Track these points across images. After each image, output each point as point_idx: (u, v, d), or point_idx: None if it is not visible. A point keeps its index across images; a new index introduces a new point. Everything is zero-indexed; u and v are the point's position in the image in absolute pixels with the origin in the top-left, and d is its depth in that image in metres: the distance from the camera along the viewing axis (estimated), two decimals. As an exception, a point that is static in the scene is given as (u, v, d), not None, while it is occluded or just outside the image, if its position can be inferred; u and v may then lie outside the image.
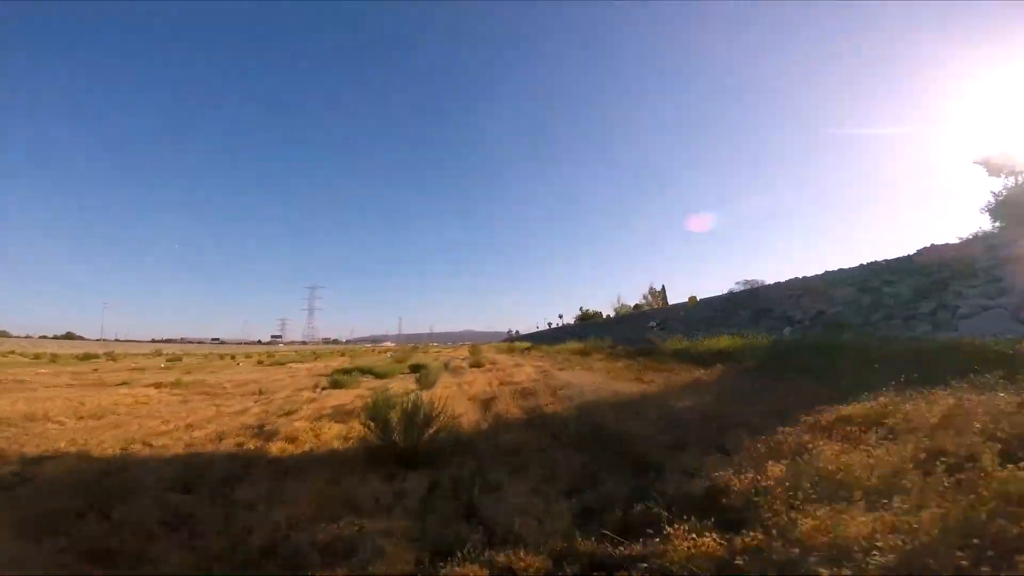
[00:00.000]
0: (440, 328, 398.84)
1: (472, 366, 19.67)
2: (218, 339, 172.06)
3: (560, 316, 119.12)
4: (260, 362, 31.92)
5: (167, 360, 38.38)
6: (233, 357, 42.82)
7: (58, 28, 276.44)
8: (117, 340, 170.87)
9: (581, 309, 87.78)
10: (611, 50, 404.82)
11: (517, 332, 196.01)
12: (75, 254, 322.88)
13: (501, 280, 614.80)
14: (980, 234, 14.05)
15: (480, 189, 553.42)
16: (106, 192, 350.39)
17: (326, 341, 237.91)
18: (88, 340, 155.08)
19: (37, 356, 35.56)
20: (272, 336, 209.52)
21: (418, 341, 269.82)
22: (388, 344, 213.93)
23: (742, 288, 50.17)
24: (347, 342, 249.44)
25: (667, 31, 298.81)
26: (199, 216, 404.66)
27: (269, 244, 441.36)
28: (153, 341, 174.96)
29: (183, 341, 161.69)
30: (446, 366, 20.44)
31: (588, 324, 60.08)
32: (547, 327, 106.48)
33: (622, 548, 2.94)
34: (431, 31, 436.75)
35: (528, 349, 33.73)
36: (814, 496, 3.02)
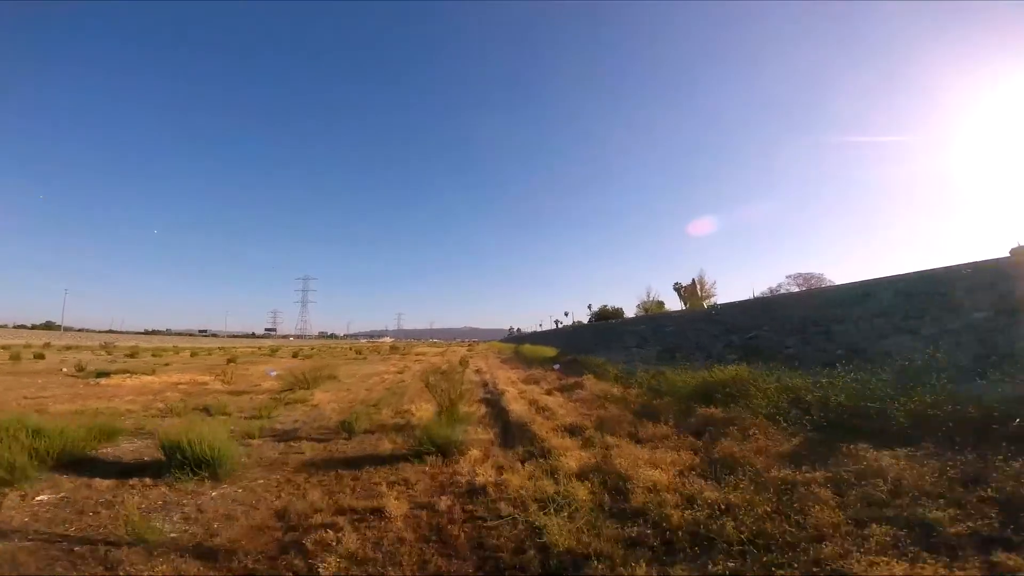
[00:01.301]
0: (440, 324, 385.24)
1: (415, 451, 5.77)
2: (205, 331, 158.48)
3: (567, 314, 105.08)
4: (81, 369, 18.31)
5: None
6: (134, 356, 29.16)
7: (48, 22, 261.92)
8: (112, 331, 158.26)
9: (589, 307, 73.54)
10: (621, 48, 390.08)
11: (519, 330, 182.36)
12: (67, 246, 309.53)
13: (502, 277, 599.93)
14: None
15: (481, 185, 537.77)
16: (100, 185, 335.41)
17: (323, 335, 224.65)
18: (71, 331, 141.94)
19: None
20: (266, 329, 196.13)
21: (418, 337, 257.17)
22: (386, 340, 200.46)
23: (793, 283, 35.92)
24: (344, 336, 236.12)
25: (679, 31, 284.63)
26: (198, 210, 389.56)
27: (269, 237, 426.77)
28: (147, 332, 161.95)
29: (167, 332, 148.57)
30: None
31: (609, 324, 46.00)
32: (554, 325, 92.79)
33: None
34: (440, 28, 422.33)
35: (559, 362, 19.59)
36: None
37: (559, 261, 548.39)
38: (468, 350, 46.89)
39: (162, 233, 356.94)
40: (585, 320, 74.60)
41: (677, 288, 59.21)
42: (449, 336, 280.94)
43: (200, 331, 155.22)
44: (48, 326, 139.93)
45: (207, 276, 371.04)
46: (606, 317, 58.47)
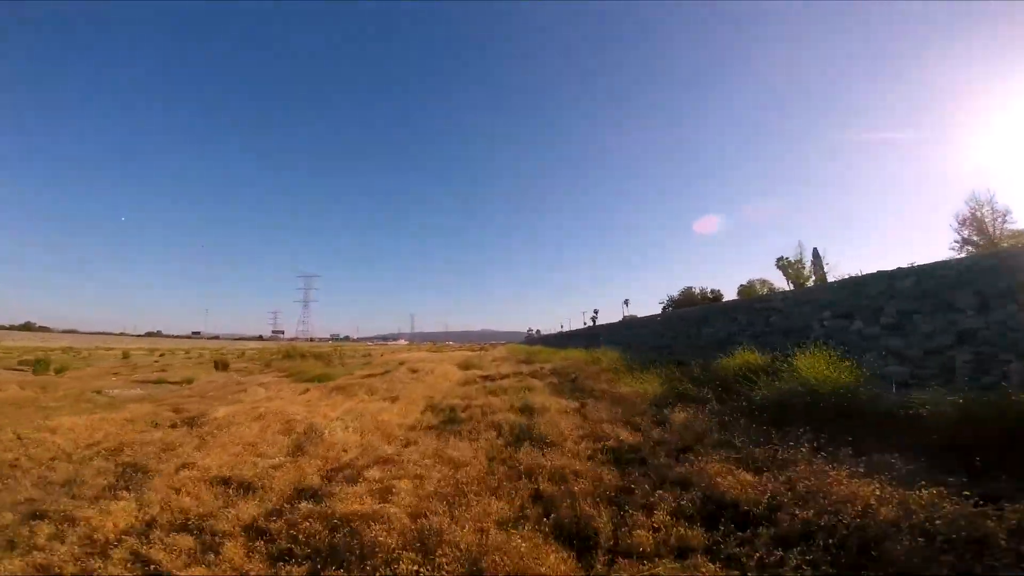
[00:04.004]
0: (456, 327, 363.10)
1: None
2: (198, 333, 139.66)
3: (596, 312, 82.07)
4: None
5: None
6: None
7: (43, 17, 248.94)
8: (124, 334, 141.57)
9: (626, 302, 50.26)
10: (640, 45, 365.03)
11: (538, 332, 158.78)
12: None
13: (518, 280, 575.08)
14: None
15: (498, 184, 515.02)
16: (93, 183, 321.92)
17: (335, 338, 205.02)
18: (54, 331, 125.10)
19: None
20: (273, 331, 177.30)
21: (433, 340, 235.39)
22: (401, 342, 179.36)
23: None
24: (358, 339, 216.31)
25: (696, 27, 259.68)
26: (199, 210, 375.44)
27: (278, 238, 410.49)
28: (149, 335, 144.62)
29: (159, 334, 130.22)
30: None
31: (686, 314, 21.99)
32: (589, 323, 69.43)
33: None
34: (451, 27, 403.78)
35: None
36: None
37: (568, 266, 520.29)
38: (464, 367, 21.72)
39: (165, 234, 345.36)
40: (637, 313, 51.23)
41: (783, 265, 35.57)
42: (465, 339, 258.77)
43: (194, 333, 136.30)
44: (26, 327, 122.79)
45: (211, 279, 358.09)
46: (690, 303, 35.19)
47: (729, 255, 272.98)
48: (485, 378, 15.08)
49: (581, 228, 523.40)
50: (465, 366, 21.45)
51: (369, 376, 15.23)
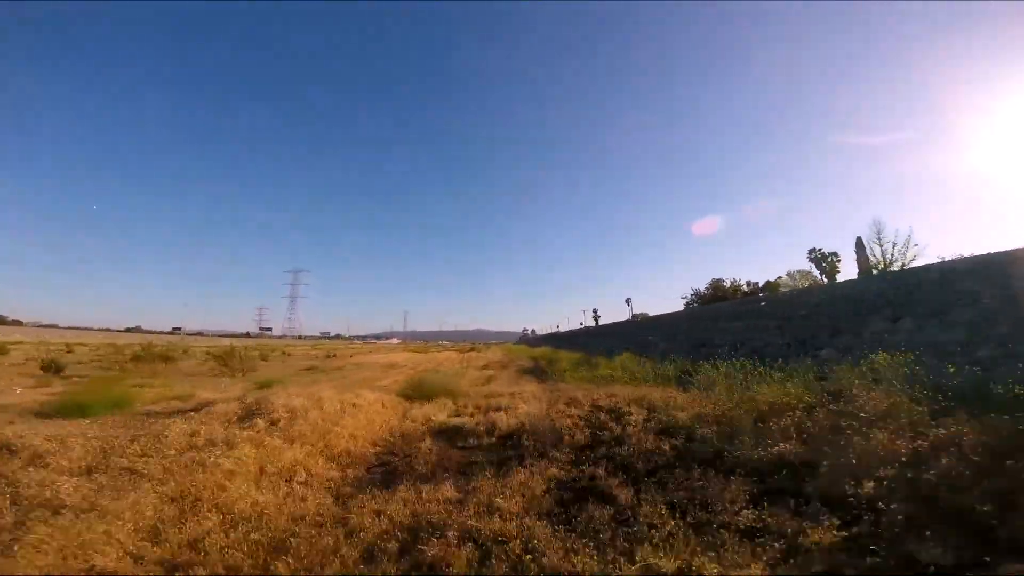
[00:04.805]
0: (450, 326, 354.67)
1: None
2: (179, 329, 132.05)
3: (596, 310, 75.69)
4: None
5: None
6: None
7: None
8: (97, 329, 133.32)
9: (628, 301, 43.30)
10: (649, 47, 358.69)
11: (533, 332, 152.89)
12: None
13: (513, 280, 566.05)
14: None
15: (493, 183, 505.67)
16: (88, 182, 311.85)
17: (325, 336, 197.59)
18: (27, 326, 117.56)
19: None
20: (261, 328, 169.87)
21: (426, 339, 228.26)
22: (392, 341, 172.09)
23: None
24: (350, 338, 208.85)
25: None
26: (205, 210, 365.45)
27: (279, 236, 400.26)
28: (129, 330, 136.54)
29: (138, 330, 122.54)
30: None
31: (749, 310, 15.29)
32: (592, 322, 63.05)
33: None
34: (451, 27, 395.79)
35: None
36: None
37: (564, 266, 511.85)
38: (419, 393, 10.11)
39: (165, 233, 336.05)
40: (651, 311, 44.86)
41: (816, 257, 29.37)
42: (458, 338, 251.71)
43: (174, 329, 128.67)
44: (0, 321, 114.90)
45: (211, 278, 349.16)
46: (721, 298, 28.71)
47: (729, 255, 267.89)
48: (458, 445, 6.25)
49: (579, 228, 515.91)
50: (423, 391, 10.07)
51: (222, 402, 8.04)
